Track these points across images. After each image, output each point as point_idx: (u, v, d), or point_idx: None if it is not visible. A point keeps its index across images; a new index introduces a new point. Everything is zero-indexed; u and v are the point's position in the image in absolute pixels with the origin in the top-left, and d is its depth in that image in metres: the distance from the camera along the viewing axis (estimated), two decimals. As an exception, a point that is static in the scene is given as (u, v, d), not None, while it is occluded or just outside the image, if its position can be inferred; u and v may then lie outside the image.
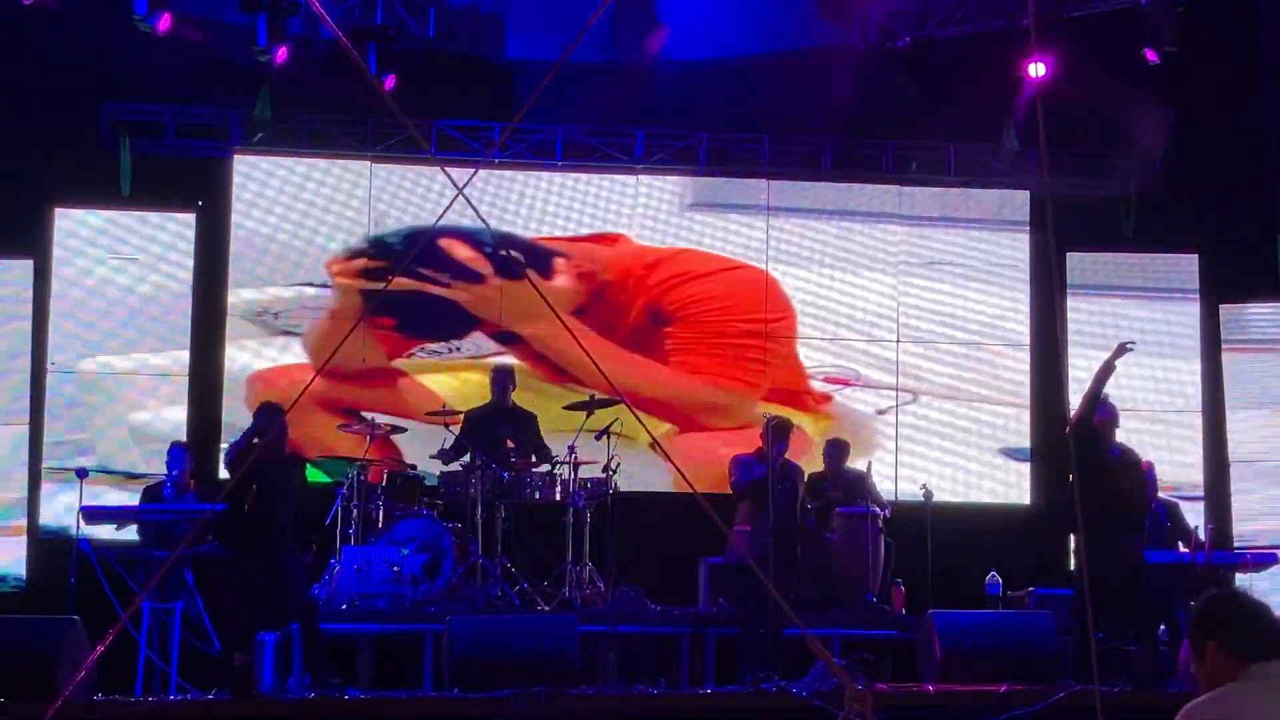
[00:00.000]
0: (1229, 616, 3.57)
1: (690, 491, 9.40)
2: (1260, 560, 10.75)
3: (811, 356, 12.77)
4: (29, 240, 11.71)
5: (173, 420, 11.70)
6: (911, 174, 12.99)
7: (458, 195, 5.90)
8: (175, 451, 10.08)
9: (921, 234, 12.98)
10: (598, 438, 10.34)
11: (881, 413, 12.70)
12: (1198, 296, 12.83)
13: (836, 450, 10.86)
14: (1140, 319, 12.82)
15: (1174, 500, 10.59)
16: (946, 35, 12.32)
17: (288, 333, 12.15)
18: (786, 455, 9.37)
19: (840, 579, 10.28)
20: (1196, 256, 12.86)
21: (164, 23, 10.82)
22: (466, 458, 10.27)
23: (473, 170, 11.04)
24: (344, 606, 9.42)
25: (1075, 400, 9.03)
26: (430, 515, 10.08)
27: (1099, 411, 8.70)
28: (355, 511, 10.01)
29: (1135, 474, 8.97)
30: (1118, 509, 8.59)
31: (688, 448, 12.16)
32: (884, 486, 11.23)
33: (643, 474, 11.29)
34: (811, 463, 11.23)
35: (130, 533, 9.62)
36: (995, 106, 12.15)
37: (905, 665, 9.59)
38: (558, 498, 10.22)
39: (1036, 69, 10.70)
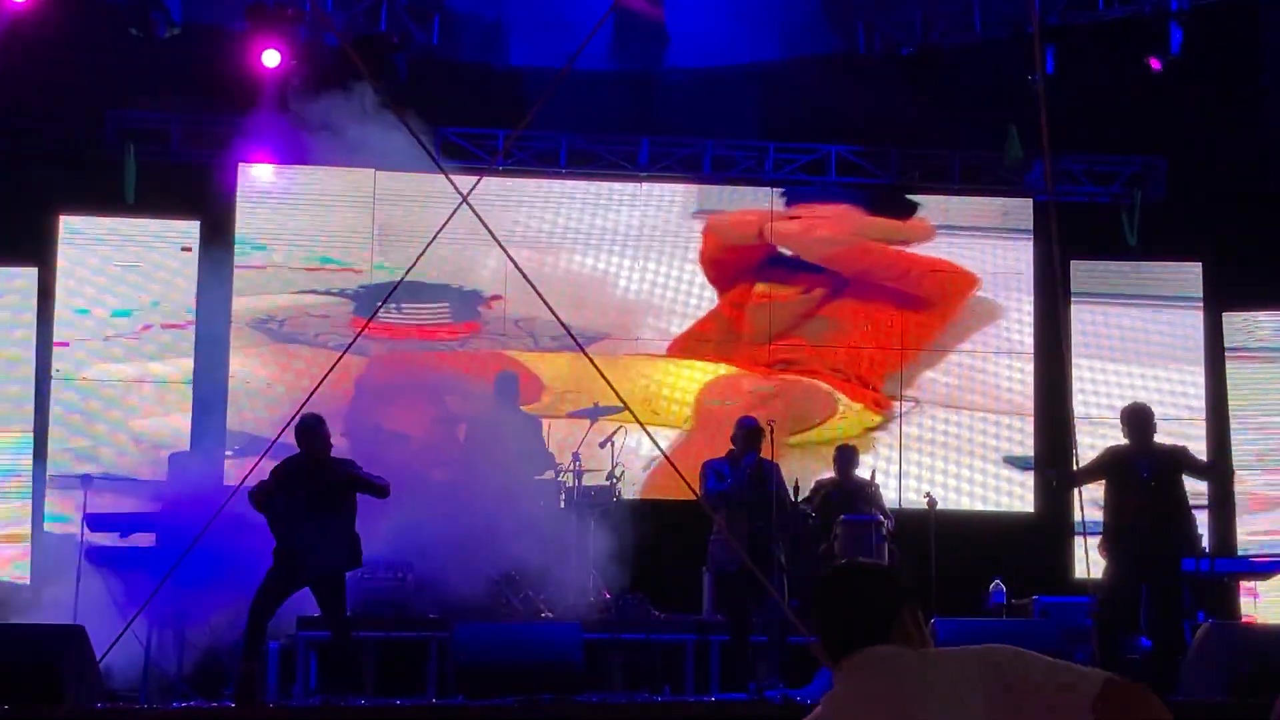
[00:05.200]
0: (821, 602, 2.75)
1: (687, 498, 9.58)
2: (1265, 569, 10.74)
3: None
4: (34, 248, 11.71)
5: (176, 428, 11.70)
6: (915, 182, 12.99)
7: (461, 203, 5.91)
8: (175, 461, 10.10)
9: (925, 240, 12.98)
10: (602, 445, 10.34)
11: (878, 427, 12.70)
12: (1201, 304, 12.83)
13: (845, 457, 10.79)
14: (1144, 327, 12.82)
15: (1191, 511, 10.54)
16: (951, 43, 12.33)
17: (291, 340, 12.15)
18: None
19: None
20: (1200, 264, 12.86)
21: (167, 30, 10.83)
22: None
23: (476, 178, 10.99)
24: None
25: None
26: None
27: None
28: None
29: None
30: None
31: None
32: (887, 495, 11.21)
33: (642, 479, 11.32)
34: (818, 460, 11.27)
35: (133, 540, 9.62)
36: (999, 114, 12.15)
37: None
38: (562, 505, 10.22)
39: (1037, 77, 10.69)
